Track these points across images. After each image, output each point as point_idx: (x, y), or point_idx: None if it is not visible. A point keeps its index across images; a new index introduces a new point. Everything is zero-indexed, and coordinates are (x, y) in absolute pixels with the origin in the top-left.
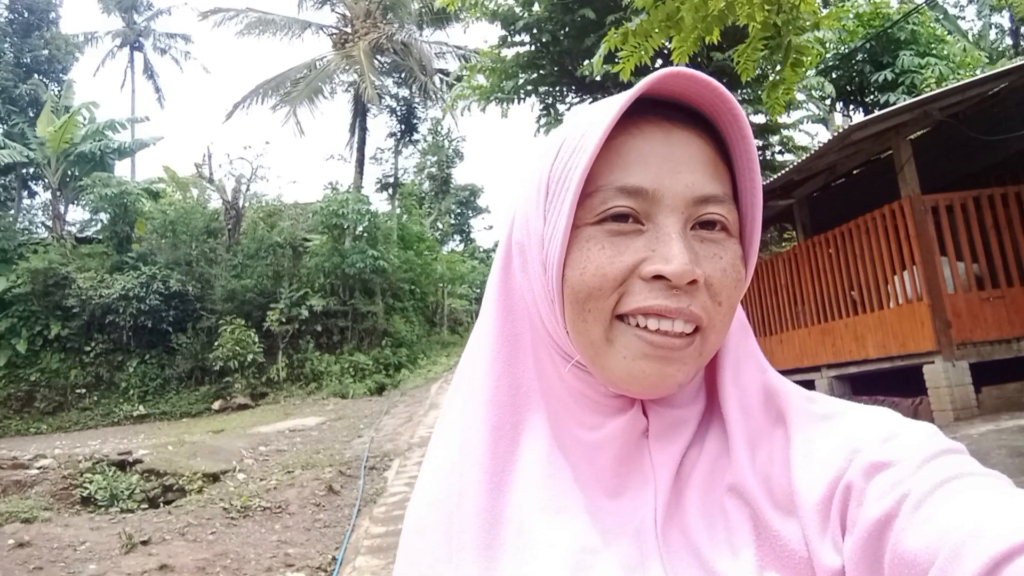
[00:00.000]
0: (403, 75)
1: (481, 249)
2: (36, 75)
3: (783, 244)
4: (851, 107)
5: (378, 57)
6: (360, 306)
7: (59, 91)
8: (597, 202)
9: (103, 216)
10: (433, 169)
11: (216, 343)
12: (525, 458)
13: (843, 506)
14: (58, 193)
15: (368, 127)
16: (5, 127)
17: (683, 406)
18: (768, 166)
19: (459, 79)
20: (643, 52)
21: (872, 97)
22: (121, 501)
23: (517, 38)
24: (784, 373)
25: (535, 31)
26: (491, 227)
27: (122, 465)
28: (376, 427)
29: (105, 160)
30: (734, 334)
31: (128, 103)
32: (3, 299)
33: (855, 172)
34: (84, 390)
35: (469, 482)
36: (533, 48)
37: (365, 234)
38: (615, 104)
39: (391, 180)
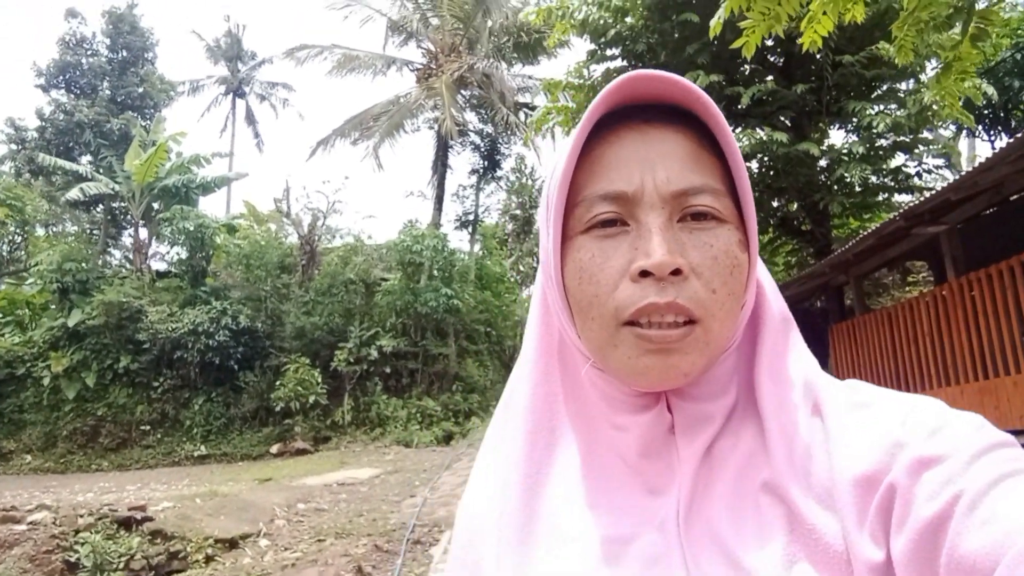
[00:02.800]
0: (486, 110)
1: None
2: (130, 111)
3: (907, 289)
4: (990, 132)
5: (461, 92)
6: (432, 348)
7: (149, 126)
8: (583, 211)
9: (181, 250)
10: (517, 211)
11: (278, 382)
12: (560, 460)
13: (886, 502)
14: (143, 226)
15: (450, 164)
16: (94, 161)
17: (709, 400)
18: (905, 188)
19: (532, 109)
20: (773, 21)
21: (1020, 116)
22: (107, 572)
23: (608, 52)
24: None
25: (628, 42)
26: None
27: (128, 523)
28: (433, 485)
29: (190, 195)
30: (772, 327)
31: (227, 146)
32: (78, 331)
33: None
34: (148, 427)
35: (508, 483)
36: (626, 63)
37: (441, 272)
38: (585, 117)
39: (471, 218)
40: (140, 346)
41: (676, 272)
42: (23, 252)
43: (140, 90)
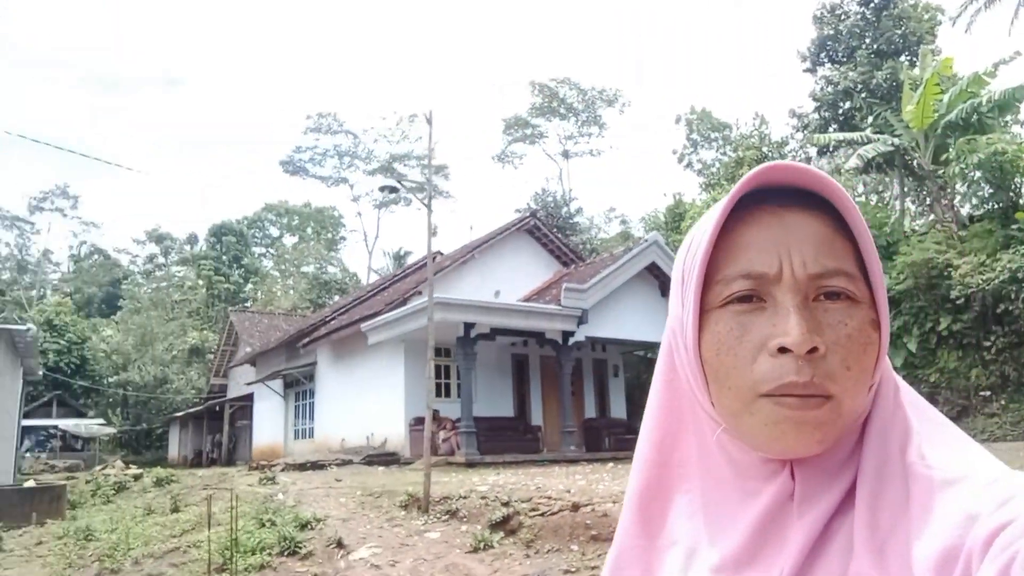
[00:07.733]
0: None
1: None
2: (892, 58)
3: None
4: None
5: None
6: None
7: (916, 65)
8: (722, 287)
9: (983, 187)
10: None
11: None
12: (672, 524)
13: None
14: (937, 173)
15: None
16: (872, 121)
17: (831, 472)
18: None
19: None
20: None
21: None
22: None
23: None
24: None
25: None
26: None
27: None
28: None
29: (982, 121)
30: (885, 397)
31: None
32: (891, 298)
33: None
34: (988, 392)
35: (625, 547)
36: None
37: None
38: (723, 203)
39: None
40: (955, 304)
41: (813, 350)
42: None
43: (900, 31)
